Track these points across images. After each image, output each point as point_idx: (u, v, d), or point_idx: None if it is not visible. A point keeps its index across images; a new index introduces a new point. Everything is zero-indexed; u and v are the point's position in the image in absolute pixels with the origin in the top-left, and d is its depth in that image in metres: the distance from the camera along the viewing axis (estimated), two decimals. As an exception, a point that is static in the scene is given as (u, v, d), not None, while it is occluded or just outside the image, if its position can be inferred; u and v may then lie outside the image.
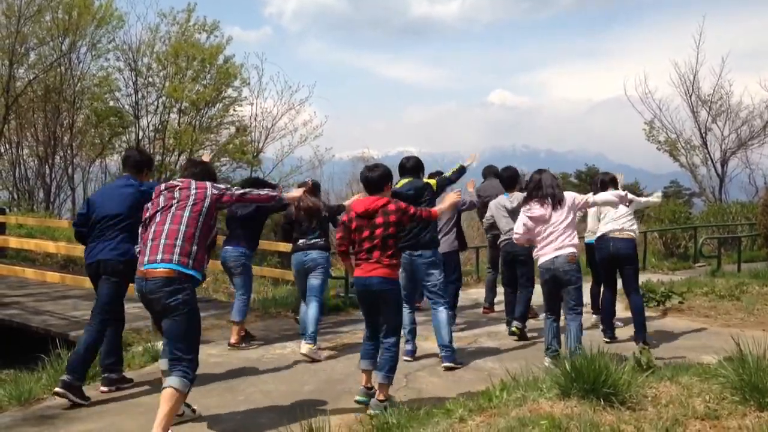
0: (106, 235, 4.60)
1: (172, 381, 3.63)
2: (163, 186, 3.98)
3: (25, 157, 18.73)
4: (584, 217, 6.95)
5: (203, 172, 4.16)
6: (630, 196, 5.89)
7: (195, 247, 3.76)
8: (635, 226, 6.18)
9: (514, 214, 6.53)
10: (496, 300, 7.77)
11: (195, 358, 3.77)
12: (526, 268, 6.53)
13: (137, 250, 3.98)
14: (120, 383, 4.76)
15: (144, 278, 3.72)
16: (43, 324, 7.07)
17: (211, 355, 5.69)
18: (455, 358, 5.41)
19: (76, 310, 7.68)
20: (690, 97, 19.92)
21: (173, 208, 3.82)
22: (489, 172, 7.94)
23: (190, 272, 3.74)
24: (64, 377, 4.40)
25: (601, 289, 6.58)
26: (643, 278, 7.27)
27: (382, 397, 4.22)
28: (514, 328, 6.44)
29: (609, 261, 6.18)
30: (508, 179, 6.84)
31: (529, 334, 6.50)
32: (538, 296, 5.98)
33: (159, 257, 3.69)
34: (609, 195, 5.78)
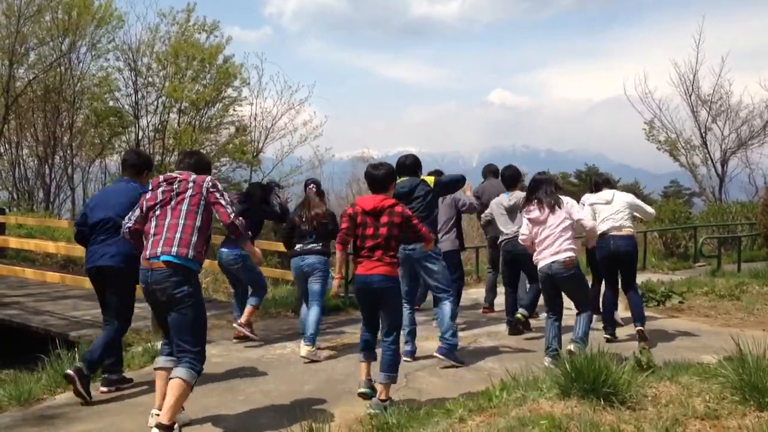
0: (106, 240, 4.59)
1: (180, 372, 3.65)
2: (161, 177, 3.97)
3: (24, 157, 18.74)
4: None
5: (198, 162, 4.15)
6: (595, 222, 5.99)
7: (194, 238, 3.78)
8: (630, 223, 6.20)
9: (511, 212, 6.55)
10: (496, 300, 7.77)
11: (202, 351, 3.79)
12: (530, 265, 6.55)
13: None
14: (120, 383, 4.77)
15: (150, 269, 3.74)
16: (43, 324, 7.08)
17: (212, 355, 5.67)
18: (454, 355, 5.39)
19: (75, 310, 7.69)
20: (690, 96, 19.98)
21: (173, 201, 3.84)
22: (489, 171, 7.92)
23: (191, 264, 3.75)
24: (78, 364, 4.45)
25: (602, 289, 6.59)
26: (643, 278, 7.28)
27: (383, 397, 4.21)
28: (519, 315, 6.51)
29: (610, 259, 6.20)
30: (510, 178, 6.85)
31: (529, 334, 6.51)
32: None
33: (160, 250, 3.71)
34: (592, 223, 5.70)
